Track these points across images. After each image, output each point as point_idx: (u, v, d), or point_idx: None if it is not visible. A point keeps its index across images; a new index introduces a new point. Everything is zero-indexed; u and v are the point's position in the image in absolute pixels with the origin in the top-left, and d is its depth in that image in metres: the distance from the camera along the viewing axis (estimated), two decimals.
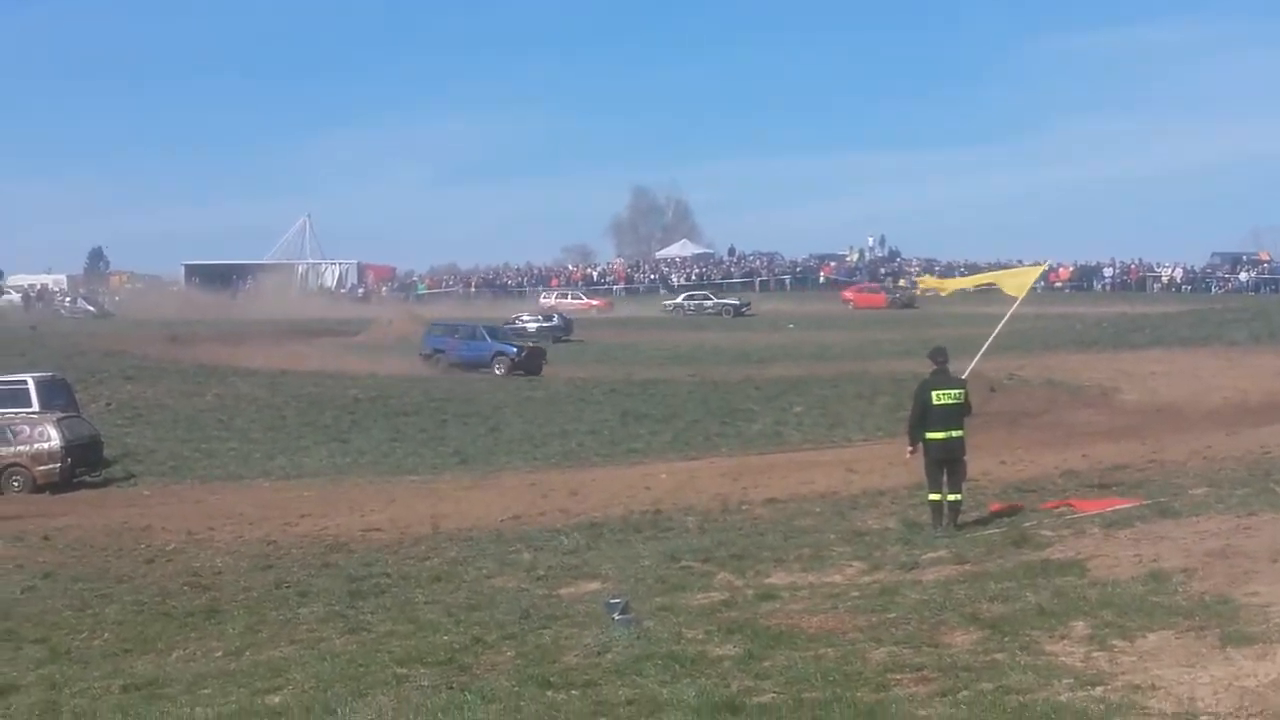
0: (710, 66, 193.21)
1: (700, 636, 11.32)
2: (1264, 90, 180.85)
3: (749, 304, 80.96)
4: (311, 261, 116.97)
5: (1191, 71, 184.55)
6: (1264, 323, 50.75)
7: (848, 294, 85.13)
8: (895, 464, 22.76)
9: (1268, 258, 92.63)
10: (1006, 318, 22.50)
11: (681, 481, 23.78)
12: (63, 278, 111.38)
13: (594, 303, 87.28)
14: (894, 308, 78.04)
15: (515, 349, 49.43)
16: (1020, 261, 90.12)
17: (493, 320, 60.14)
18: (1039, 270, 23.24)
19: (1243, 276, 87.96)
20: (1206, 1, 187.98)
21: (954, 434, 17.00)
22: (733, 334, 63.94)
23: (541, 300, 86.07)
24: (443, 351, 50.00)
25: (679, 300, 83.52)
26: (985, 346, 22.09)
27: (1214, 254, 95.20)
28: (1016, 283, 22.69)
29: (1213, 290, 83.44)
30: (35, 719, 9.83)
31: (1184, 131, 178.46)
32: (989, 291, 26.29)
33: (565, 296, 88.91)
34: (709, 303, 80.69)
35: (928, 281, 21.26)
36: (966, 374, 18.74)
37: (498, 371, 47.32)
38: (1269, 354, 41.90)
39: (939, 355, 17.62)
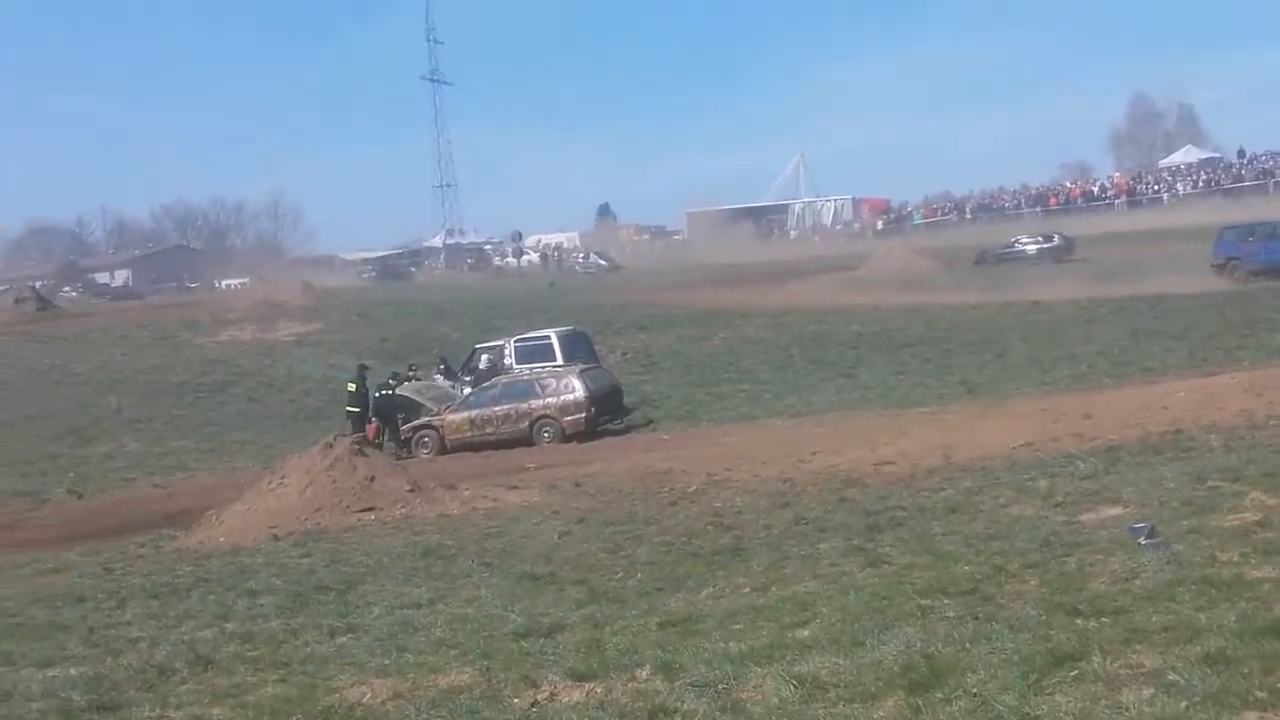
0: None
1: (1235, 559, 10.86)
2: None
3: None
4: (807, 200, 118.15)
5: None
6: None
7: None
8: None
9: None
10: None
11: (1201, 399, 22.72)
12: (575, 235, 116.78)
13: None
14: None
15: None
16: None
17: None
18: None
19: None
20: None
21: None
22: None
23: None
24: (1238, 259, 44.36)
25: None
26: None
27: None
28: None
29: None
30: (583, 654, 10.41)
31: None
32: None
33: None
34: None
35: None
36: None
37: None
38: None
39: None
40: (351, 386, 33.03)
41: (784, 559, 13.87)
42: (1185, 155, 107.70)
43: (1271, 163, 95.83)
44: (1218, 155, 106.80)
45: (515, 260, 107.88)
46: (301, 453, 22.94)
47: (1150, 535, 11.78)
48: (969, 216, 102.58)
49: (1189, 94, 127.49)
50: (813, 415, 28.53)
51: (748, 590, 12.49)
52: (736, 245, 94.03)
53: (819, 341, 39.11)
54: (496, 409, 30.68)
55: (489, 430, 30.55)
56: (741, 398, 32.63)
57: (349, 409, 32.56)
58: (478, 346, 36.37)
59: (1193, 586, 9.95)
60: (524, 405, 30.48)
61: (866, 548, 13.90)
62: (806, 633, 10.32)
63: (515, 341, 34.95)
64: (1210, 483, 14.95)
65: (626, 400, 32.66)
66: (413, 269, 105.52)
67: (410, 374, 34.83)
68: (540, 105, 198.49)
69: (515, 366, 33.79)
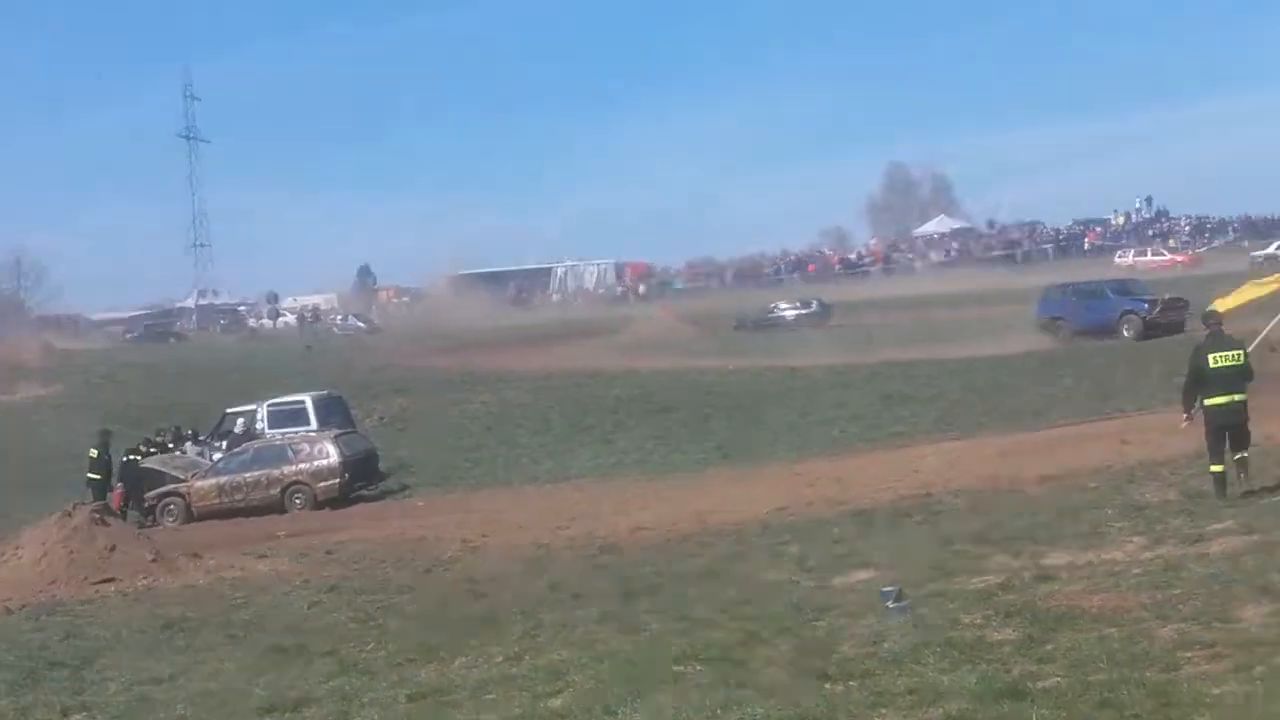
0: (961, 37, 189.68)
1: (978, 621, 11.12)
2: None
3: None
4: (570, 263, 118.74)
5: None
6: None
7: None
8: (1172, 433, 21.90)
9: None
10: None
11: (949, 462, 23.35)
12: (333, 296, 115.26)
13: (1178, 259, 77.44)
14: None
15: (1146, 304, 42.53)
16: None
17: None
18: None
19: None
20: None
21: (1236, 398, 16.37)
22: (988, 308, 62.58)
23: (1117, 260, 79.18)
24: (1062, 318, 44.09)
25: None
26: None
27: None
28: None
29: None
30: None
31: None
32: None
33: (1144, 254, 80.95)
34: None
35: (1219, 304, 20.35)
36: (1258, 341, 18.01)
37: (1125, 334, 41.11)
38: None
39: (1211, 318, 17.08)
40: (93, 453, 31.77)
41: (538, 627, 13.70)
42: (939, 224, 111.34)
43: (1018, 232, 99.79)
44: (969, 225, 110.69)
45: (271, 322, 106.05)
46: (38, 523, 21.99)
47: (898, 599, 11.95)
48: (730, 281, 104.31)
49: (944, 165, 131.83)
50: (571, 480, 28.48)
51: (501, 659, 12.29)
52: (498, 308, 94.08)
53: (579, 406, 39.13)
54: (247, 475, 29.86)
55: (239, 497, 29.70)
56: (499, 463, 32.43)
57: (90, 476, 31.25)
58: (229, 410, 35.46)
59: (937, 649, 10.12)
60: (276, 471, 29.73)
61: (622, 614, 13.82)
62: (559, 702, 10.21)
63: (268, 406, 34.17)
64: (956, 545, 15.32)
65: (382, 465, 32.16)
66: (178, 331, 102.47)
67: (159, 439, 33.73)
68: (300, 165, 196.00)
69: (269, 431, 33.03)
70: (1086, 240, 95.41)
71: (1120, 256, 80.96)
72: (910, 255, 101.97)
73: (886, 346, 47.46)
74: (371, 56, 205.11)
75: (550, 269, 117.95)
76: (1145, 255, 79.46)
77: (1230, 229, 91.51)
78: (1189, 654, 9.33)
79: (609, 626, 13.25)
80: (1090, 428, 26.46)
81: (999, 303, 60.63)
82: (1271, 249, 71.51)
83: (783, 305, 67.46)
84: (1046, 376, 34.95)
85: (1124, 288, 46.14)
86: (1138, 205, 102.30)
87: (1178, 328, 39.65)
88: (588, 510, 23.21)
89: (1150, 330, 40.48)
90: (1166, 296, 43.26)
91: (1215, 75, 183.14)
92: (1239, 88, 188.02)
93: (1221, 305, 20.26)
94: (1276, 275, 22.23)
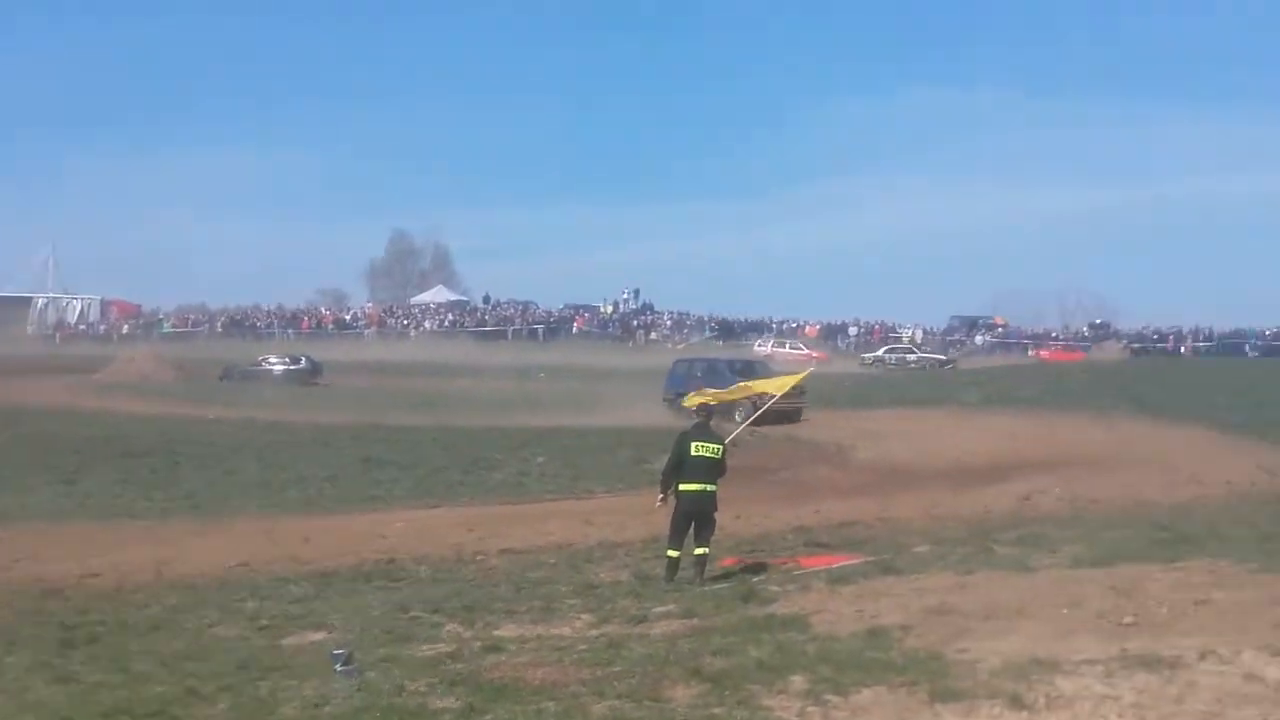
0: (472, 114, 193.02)
1: (422, 689, 11.19)
2: (1009, 159, 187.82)
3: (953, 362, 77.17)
4: (53, 295, 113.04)
5: (947, 138, 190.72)
6: (995, 386, 52.73)
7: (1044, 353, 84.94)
8: (634, 516, 22.91)
9: (1003, 322, 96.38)
10: (765, 408, 22.86)
11: (418, 530, 23.50)
12: None
13: (813, 354, 77.83)
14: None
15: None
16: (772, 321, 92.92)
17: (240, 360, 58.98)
18: (803, 375, 24.02)
19: (979, 340, 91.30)
20: (958, 73, 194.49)
21: (708, 488, 17.21)
22: (480, 381, 63.68)
23: (756, 347, 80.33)
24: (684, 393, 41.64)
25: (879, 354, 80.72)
26: (753, 418, 22.68)
27: (953, 317, 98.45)
28: (776, 385, 23.24)
29: (949, 352, 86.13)
30: None
31: (932, 195, 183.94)
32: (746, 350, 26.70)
33: (784, 345, 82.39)
34: (911, 356, 78.20)
35: (693, 399, 21.31)
36: (729, 440, 18.94)
37: (737, 418, 35.10)
38: (999, 415, 43.57)
39: (702, 410, 17.88)
40: None
41: None
42: (436, 295, 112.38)
43: (512, 310, 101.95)
44: (466, 298, 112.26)
45: None
46: None
47: (347, 662, 11.90)
48: (220, 330, 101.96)
49: (446, 237, 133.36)
50: (23, 521, 26.89)
51: None
52: None
53: (43, 444, 37.12)
54: None
55: None
56: None
57: None
58: None
59: (377, 714, 10.17)
60: None
61: (56, 663, 13.17)
62: None
63: None
64: (413, 612, 15.43)
65: None
66: None
67: None
68: None
69: None
70: (575, 325, 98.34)
71: (759, 346, 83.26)
72: (405, 322, 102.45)
73: (375, 408, 47.53)
74: None
75: (30, 299, 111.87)
76: (784, 347, 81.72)
77: (707, 327, 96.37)
78: None
79: (40, 676, 12.58)
80: (558, 505, 27.25)
81: (488, 376, 61.88)
82: (862, 350, 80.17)
83: (272, 359, 66.58)
84: (522, 452, 35.74)
85: (749, 368, 46.50)
86: (625, 296, 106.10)
87: (793, 416, 41.12)
88: (37, 553, 21.94)
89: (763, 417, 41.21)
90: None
91: (699, 180, 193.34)
92: (722, 194, 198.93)
93: (689, 402, 21.25)
94: (791, 376, 23.49)
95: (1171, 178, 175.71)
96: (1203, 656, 10.78)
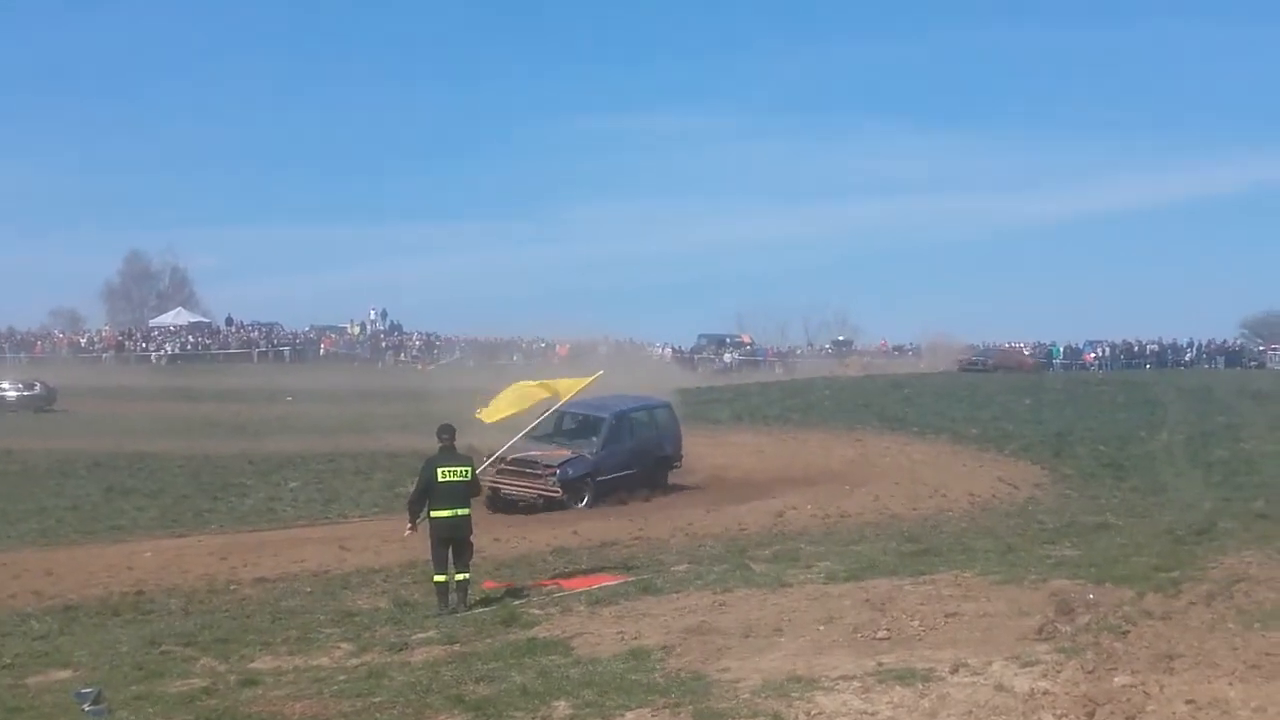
0: (211, 128, 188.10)
1: None
2: (750, 181, 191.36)
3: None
4: None
5: (695, 159, 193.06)
6: (744, 402, 53.65)
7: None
8: (390, 541, 22.66)
9: (749, 340, 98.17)
10: (545, 415, 22.43)
11: (168, 560, 22.83)
12: None
13: None
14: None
15: None
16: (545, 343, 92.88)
17: None
18: (593, 378, 22.91)
19: (726, 358, 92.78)
20: (697, 96, 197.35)
21: (460, 512, 17.13)
22: (225, 405, 62.21)
23: None
24: None
25: None
26: (520, 435, 22.44)
27: (701, 335, 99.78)
28: (566, 385, 22.41)
29: (698, 370, 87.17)
30: None
31: (680, 217, 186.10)
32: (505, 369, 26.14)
33: None
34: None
35: (484, 414, 20.75)
36: (490, 459, 18.88)
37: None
38: (747, 432, 44.34)
39: (445, 433, 17.67)
40: None
41: None
42: (176, 317, 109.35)
43: (256, 332, 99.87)
44: (207, 320, 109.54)
45: None
46: None
47: (96, 701, 11.50)
48: None
49: (183, 258, 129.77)
50: None
51: None
52: None
53: None
54: None
55: None
56: None
57: None
58: None
59: None
60: None
61: None
62: None
63: None
64: (164, 646, 15.00)
65: None
66: None
67: None
68: None
69: None
70: (322, 346, 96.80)
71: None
72: (145, 345, 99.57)
73: (116, 435, 46.00)
74: None
75: None
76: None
77: (458, 348, 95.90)
78: None
79: None
80: (313, 531, 26.79)
81: (234, 400, 60.58)
82: None
83: (4, 384, 63.92)
84: (274, 477, 35.05)
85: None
86: (373, 316, 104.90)
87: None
88: None
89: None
90: None
91: (447, 199, 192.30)
92: (471, 214, 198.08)
93: (487, 416, 20.80)
94: (543, 382, 22.90)
95: (911, 196, 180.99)
96: (955, 669, 11.14)
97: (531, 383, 22.27)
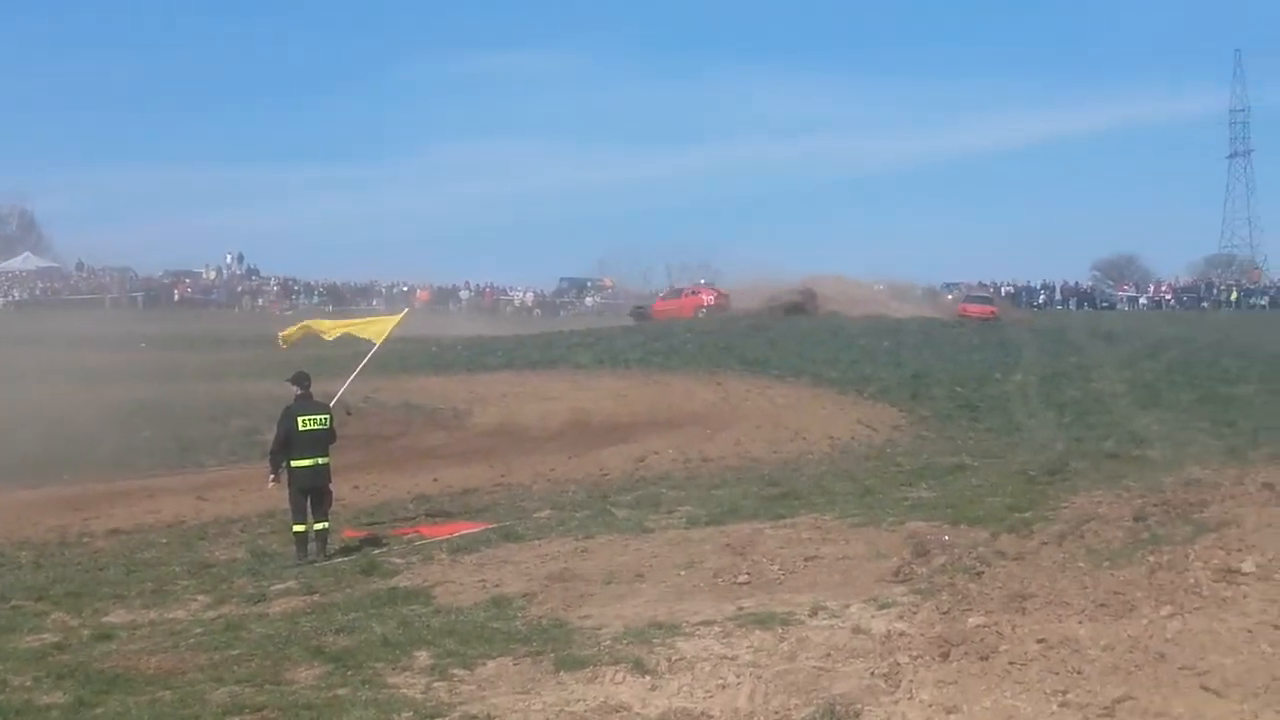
0: (63, 66, 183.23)
1: (28, 683, 10.66)
2: (616, 122, 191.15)
3: None
4: None
5: (560, 99, 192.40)
6: (606, 346, 53.60)
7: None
8: (248, 490, 22.38)
9: (611, 284, 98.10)
10: (368, 357, 22.33)
11: (16, 513, 22.25)
12: None
13: None
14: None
15: None
16: (379, 284, 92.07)
17: None
18: (399, 318, 23.14)
19: (589, 301, 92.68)
20: (563, 35, 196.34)
21: (320, 461, 16.98)
22: (75, 351, 60.75)
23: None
24: None
25: None
26: (351, 377, 22.14)
27: (562, 279, 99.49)
28: (376, 329, 22.37)
29: (560, 314, 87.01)
30: None
31: (542, 157, 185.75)
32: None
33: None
34: None
35: (287, 333, 20.69)
36: (333, 401, 18.67)
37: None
38: (609, 376, 44.27)
39: (302, 380, 17.42)
40: None
41: None
42: (24, 262, 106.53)
43: (109, 278, 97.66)
44: (57, 265, 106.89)
45: None
46: None
47: None
48: None
49: (31, 201, 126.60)
50: None
51: None
52: None
53: None
54: None
55: None
56: None
57: None
58: None
59: None
60: None
61: None
62: None
63: None
64: (14, 601, 14.70)
65: None
66: None
67: None
68: None
69: None
70: (176, 292, 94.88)
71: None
72: None
73: None
74: None
75: None
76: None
77: (316, 293, 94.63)
78: (239, 718, 9.42)
79: None
80: (168, 480, 26.33)
81: (86, 347, 59.18)
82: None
83: None
84: (131, 425, 34.32)
85: None
86: (229, 261, 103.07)
87: None
88: None
89: None
90: None
91: (304, 142, 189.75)
92: (327, 157, 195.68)
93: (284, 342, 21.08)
94: (389, 318, 22.90)
95: (774, 139, 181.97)
96: (814, 612, 11.25)
97: (324, 322, 23.50)
